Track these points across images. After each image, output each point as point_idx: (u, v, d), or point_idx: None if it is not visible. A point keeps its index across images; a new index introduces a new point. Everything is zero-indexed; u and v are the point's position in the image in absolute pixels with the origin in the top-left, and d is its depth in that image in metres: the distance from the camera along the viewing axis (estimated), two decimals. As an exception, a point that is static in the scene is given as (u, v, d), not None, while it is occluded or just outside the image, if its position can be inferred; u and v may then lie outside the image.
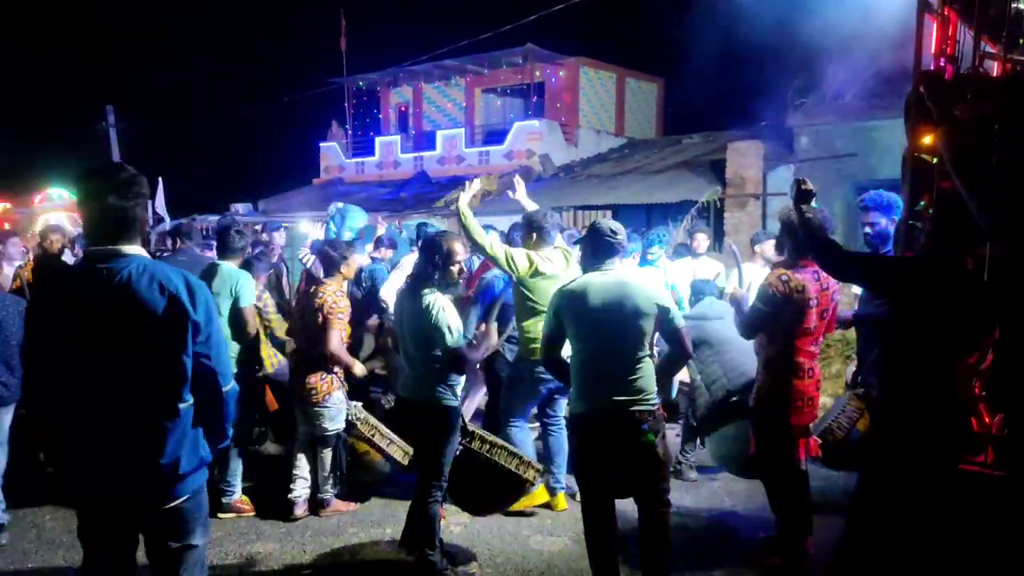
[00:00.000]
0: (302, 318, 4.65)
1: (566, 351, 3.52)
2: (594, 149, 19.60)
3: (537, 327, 4.40)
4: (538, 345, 4.28)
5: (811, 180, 3.34)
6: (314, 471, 4.62)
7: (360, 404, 4.74)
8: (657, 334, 3.45)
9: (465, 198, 4.68)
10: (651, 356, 3.38)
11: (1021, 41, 4.02)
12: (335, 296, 4.49)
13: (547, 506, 4.62)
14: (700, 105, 21.45)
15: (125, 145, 19.11)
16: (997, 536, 2.75)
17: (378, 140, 23.10)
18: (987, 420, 3.23)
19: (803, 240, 3.22)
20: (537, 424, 4.98)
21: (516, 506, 4.43)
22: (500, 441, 4.13)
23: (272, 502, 4.66)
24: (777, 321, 3.74)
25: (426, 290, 3.64)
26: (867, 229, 3.90)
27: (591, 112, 21.41)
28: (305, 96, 20.72)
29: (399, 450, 4.62)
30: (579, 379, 3.38)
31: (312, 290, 4.63)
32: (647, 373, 3.33)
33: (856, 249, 4.95)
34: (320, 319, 4.44)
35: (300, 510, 4.56)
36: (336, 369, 4.53)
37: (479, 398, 5.86)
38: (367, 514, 4.66)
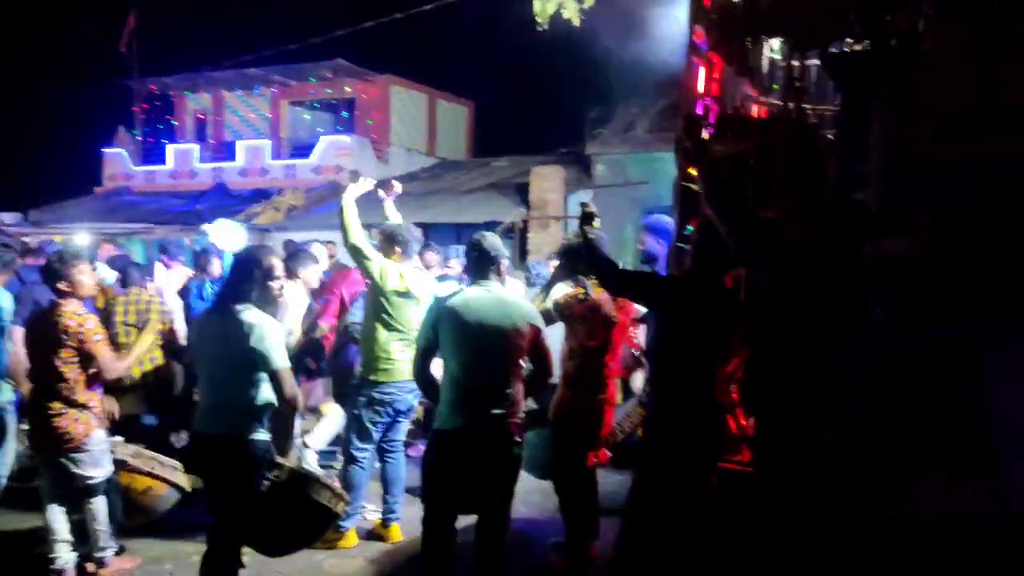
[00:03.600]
0: (37, 348, 3.85)
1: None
2: (405, 168, 19.59)
3: (391, 347, 4.27)
4: (389, 366, 4.27)
5: (606, 206, 3.62)
6: (59, 528, 3.85)
7: (122, 439, 4.31)
8: None
9: (353, 192, 4.40)
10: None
11: (775, 86, 4.58)
12: (79, 317, 3.78)
13: (378, 537, 4.45)
14: (508, 130, 22.25)
15: None
16: (754, 528, 3.05)
17: (172, 148, 21.57)
18: (743, 422, 3.60)
19: (587, 260, 3.42)
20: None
21: (325, 547, 4.22)
22: (311, 472, 3.90)
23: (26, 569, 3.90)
24: (573, 336, 3.96)
25: (241, 307, 3.30)
26: (640, 247, 4.29)
27: (402, 131, 21.41)
28: (85, 96, 18.95)
29: (184, 476, 4.33)
30: (455, 394, 3.34)
31: (44, 313, 3.84)
32: (520, 388, 3.41)
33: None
34: (71, 347, 3.73)
35: None
36: (92, 404, 3.84)
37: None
38: (152, 564, 4.10)
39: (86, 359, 3.79)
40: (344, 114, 20.91)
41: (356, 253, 4.32)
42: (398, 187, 5.00)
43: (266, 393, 3.33)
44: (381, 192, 4.92)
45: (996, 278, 3.20)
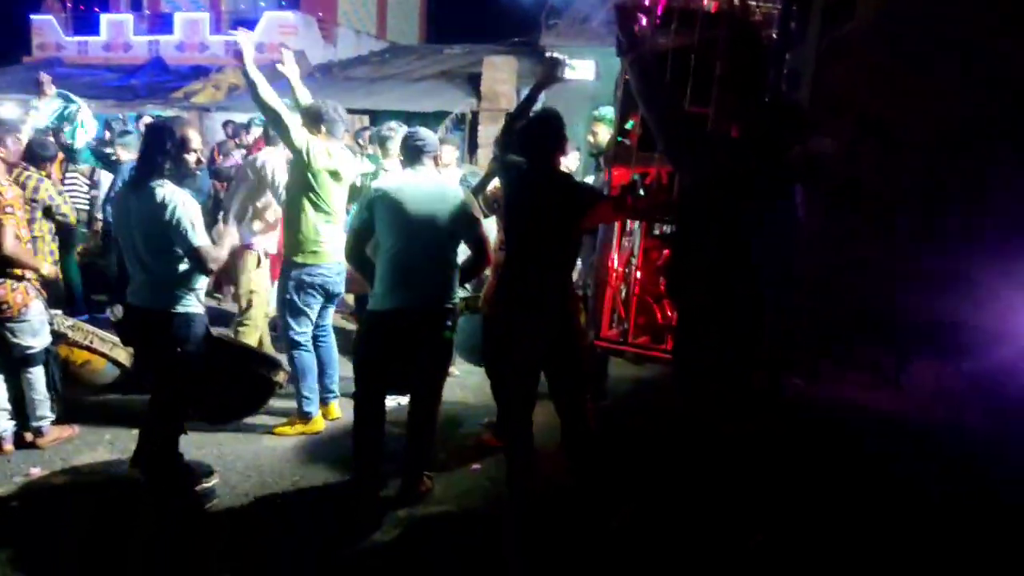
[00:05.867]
0: None
1: None
2: (354, 51, 18.86)
3: (319, 227, 4.14)
4: (317, 248, 4.17)
5: (559, 100, 3.56)
6: (12, 398, 3.94)
7: (61, 312, 4.31)
8: None
9: (249, 55, 3.90)
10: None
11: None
12: (1, 186, 3.72)
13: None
14: (463, 14, 21.44)
15: None
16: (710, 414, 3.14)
17: (105, 18, 20.27)
18: (669, 313, 3.77)
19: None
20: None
21: (287, 431, 4.30)
22: (248, 344, 3.91)
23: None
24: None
25: (156, 182, 3.22)
26: (589, 138, 4.29)
27: (351, 11, 20.45)
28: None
29: (123, 352, 4.37)
30: (390, 276, 3.42)
31: None
32: (454, 274, 3.51)
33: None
34: None
35: (7, 446, 3.93)
36: (28, 275, 3.86)
37: None
38: (92, 434, 4.18)
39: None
40: (288, -12, 19.81)
41: (276, 121, 3.98)
42: (289, 57, 4.36)
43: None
44: (281, 67, 4.32)
45: (913, 187, 3.36)
